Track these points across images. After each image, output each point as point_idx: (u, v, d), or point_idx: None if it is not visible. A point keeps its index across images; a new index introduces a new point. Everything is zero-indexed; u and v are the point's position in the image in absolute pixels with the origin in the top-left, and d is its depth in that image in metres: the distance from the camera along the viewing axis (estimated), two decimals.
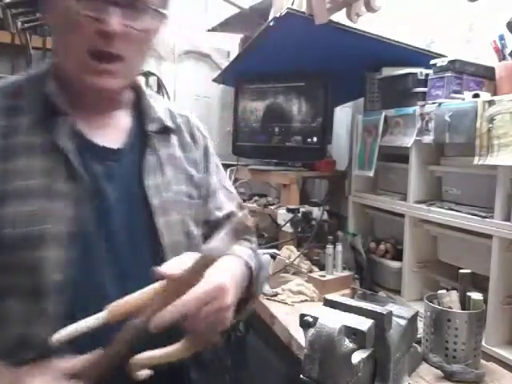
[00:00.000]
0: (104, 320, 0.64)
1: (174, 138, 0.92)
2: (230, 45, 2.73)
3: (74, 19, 0.72)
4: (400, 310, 0.95)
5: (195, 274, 0.64)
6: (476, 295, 1.03)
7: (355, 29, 1.51)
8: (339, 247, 1.55)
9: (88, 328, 0.63)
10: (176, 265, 0.68)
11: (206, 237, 0.97)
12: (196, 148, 0.95)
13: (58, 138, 0.76)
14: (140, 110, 0.89)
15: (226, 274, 0.75)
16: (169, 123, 0.91)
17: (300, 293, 1.45)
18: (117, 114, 0.87)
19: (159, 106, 0.92)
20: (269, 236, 2.03)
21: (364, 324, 0.77)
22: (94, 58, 0.74)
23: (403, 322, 0.90)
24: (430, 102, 1.32)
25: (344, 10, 1.47)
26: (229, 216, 0.97)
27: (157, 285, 0.67)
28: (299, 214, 1.75)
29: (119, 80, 0.79)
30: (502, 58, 1.26)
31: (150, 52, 0.84)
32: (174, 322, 0.64)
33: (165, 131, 0.90)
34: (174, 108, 0.97)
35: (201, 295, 0.67)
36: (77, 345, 0.65)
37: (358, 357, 0.76)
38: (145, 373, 0.65)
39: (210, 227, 0.94)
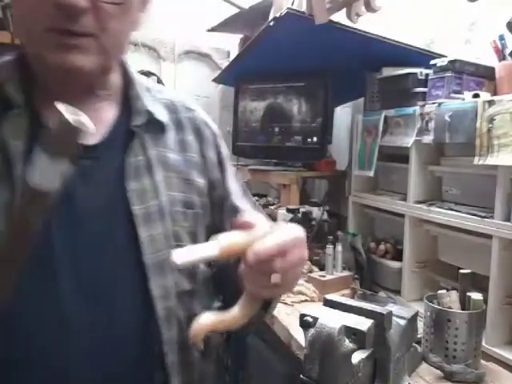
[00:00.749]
0: (215, 255, 0.56)
1: (170, 136, 0.77)
2: (230, 45, 2.73)
3: None
4: (400, 310, 0.95)
5: None
6: (476, 295, 1.03)
7: (355, 29, 1.51)
8: (339, 247, 1.55)
9: (201, 258, 0.56)
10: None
11: None
12: (201, 148, 0.81)
13: (7, 135, 0.63)
14: (127, 101, 0.74)
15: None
16: (162, 117, 0.76)
17: (300, 293, 1.44)
18: (99, 106, 0.72)
19: (156, 98, 0.78)
20: None
21: (364, 324, 0.77)
22: (59, 33, 0.61)
23: (403, 322, 0.90)
24: (429, 102, 1.32)
25: (344, 9, 1.47)
26: None
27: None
28: (299, 214, 1.75)
29: (93, 58, 0.63)
30: (502, 58, 1.26)
31: (134, 27, 0.69)
32: (270, 255, 0.56)
33: (157, 127, 0.75)
34: (180, 101, 0.82)
35: (289, 239, 0.59)
36: None
37: (357, 357, 0.76)
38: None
39: None
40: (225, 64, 2.55)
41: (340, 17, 1.52)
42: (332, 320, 0.76)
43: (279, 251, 0.57)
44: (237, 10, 2.30)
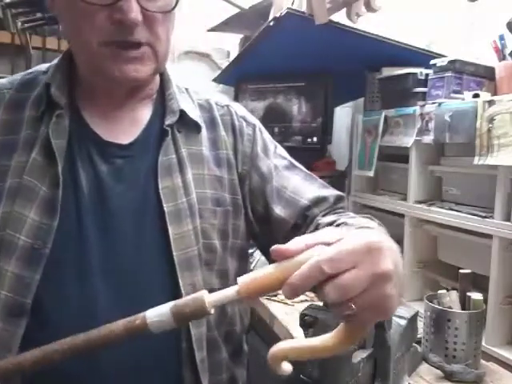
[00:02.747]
0: (234, 297, 0.50)
1: (203, 134, 0.78)
2: (230, 45, 2.73)
3: (80, 7, 0.63)
4: (400, 310, 0.94)
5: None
6: (476, 295, 1.03)
7: (355, 29, 1.51)
8: None
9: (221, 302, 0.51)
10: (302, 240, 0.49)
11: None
12: (235, 142, 0.81)
13: (51, 134, 0.68)
14: (163, 100, 0.78)
15: (372, 232, 0.53)
16: (195, 116, 0.77)
17: None
18: (137, 107, 0.76)
19: (192, 99, 0.80)
20: None
21: None
22: (116, 46, 0.65)
23: (403, 322, 0.90)
24: (429, 101, 1.32)
25: (344, 9, 1.47)
26: (317, 202, 0.79)
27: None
28: None
29: (149, 66, 0.68)
30: (502, 58, 1.26)
31: (173, 31, 0.73)
32: (306, 287, 0.46)
33: (190, 126, 0.77)
34: (214, 99, 0.83)
35: (337, 254, 0.45)
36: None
37: (357, 357, 0.76)
38: (288, 368, 0.51)
39: (296, 225, 0.77)
40: (225, 64, 2.55)
41: (340, 17, 1.52)
42: (332, 320, 0.75)
43: (317, 275, 0.45)
44: (237, 10, 2.30)
